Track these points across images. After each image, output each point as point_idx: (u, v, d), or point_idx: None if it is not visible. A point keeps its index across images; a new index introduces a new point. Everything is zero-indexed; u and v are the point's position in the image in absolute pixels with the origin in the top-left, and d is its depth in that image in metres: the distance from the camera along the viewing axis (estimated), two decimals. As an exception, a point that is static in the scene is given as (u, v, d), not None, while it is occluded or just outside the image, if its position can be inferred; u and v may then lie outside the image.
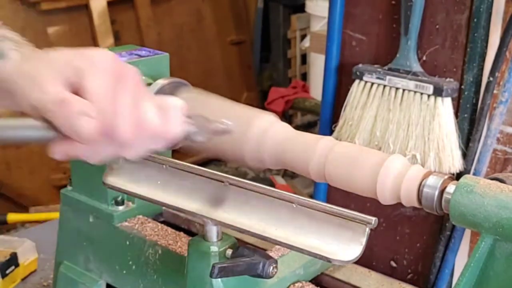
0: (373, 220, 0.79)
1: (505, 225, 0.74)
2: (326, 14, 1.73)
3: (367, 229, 0.79)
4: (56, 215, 1.30)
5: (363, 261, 0.85)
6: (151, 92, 0.76)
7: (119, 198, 1.17)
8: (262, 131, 0.94)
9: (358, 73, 1.59)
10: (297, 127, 0.98)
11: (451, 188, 0.80)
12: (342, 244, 0.80)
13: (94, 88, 0.70)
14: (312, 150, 0.90)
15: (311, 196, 1.86)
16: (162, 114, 0.74)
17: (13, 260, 1.68)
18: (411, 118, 1.51)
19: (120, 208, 1.17)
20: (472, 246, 1.57)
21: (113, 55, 0.74)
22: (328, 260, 0.80)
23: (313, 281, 1.08)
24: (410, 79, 1.51)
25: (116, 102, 0.70)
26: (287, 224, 0.84)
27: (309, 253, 0.82)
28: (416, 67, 1.53)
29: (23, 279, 1.70)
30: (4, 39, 0.79)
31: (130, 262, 1.12)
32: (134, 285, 1.12)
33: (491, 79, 1.46)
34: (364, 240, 0.79)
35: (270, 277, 0.88)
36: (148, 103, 0.73)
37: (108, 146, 0.73)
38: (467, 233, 1.56)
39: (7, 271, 1.67)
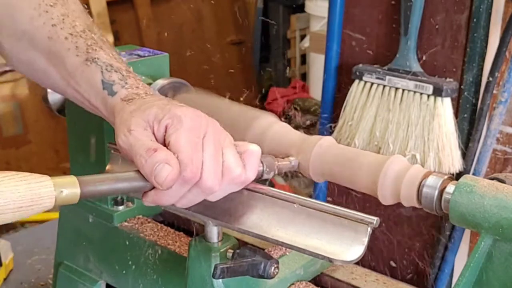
0: (375, 220, 0.79)
1: (504, 225, 0.74)
2: (325, 14, 1.73)
3: (369, 229, 0.79)
4: (55, 215, 1.30)
5: (363, 261, 0.85)
6: (230, 138, 0.82)
7: (119, 198, 1.17)
8: (262, 131, 0.94)
9: (357, 73, 1.59)
10: (297, 127, 0.98)
11: (450, 188, 0.80)
12: (344, 244, 0.80)
13: (181, 144, 0.77)
14: (312, 150, 0.90)
15: (311, 196, 1.86)
16: (242, 161, 0.80)
17: (-3, 261, 1.66)
18: (411, 118, 1.51)
19: (120, 208, 1.17)
20: (472, 246, 1.57)
21: (195, 113, 0.81)
22: (330, 260, 0.80)
23: (313, 281, 1.08)
24: (410, 79, 1.51)
25: (200, 154, 0.78)
26: (289, 224, 0.84)
27: (311, 254, 0.82)
28: (416, 67, 1.53)
29: (5, 279, 1.69)
30: (111, 69, 0.86)
31: (130, 262, 1.12)
32: (134, 285, 1.12)
33: (490, 79, 1.46)
34: (366, 240, 0.79)
35: (272, 278, 0.88)
36: (229, 150, 0.80)
37: (194, 192, 0.80)
38: (467, 233, 1.56)
39: (-6, 272, 1.65)
